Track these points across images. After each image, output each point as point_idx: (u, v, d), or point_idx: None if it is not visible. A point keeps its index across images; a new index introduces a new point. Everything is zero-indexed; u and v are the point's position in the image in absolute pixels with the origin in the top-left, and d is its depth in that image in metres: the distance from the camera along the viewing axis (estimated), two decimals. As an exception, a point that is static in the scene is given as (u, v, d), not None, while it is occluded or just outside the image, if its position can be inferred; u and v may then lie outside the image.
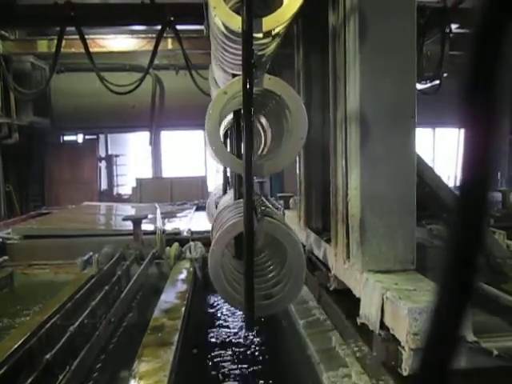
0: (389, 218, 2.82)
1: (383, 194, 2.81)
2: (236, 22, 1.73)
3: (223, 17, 1.76)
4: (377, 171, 2.81)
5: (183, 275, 5.15)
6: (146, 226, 6.78)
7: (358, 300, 2.84)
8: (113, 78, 9.05)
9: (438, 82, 9.98)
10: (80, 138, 13.48)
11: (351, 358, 2.97)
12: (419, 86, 9.30)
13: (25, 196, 12.09)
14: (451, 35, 9.20)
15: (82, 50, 7.49)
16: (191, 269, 5.35)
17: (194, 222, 8.53)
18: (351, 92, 2.90)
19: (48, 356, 2.87)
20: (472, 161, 0.38)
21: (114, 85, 8.08)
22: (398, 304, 2.22)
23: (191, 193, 11.70)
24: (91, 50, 7.73)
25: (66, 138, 13.48)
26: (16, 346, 3.26)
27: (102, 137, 13.55)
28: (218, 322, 5.23)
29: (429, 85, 10.21)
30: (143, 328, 3.72)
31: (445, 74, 9.94)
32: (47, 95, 12.01)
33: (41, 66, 11.34)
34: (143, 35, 10.07)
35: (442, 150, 14.02)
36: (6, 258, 5.92)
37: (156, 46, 7.46)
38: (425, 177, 3.28)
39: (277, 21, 1.78)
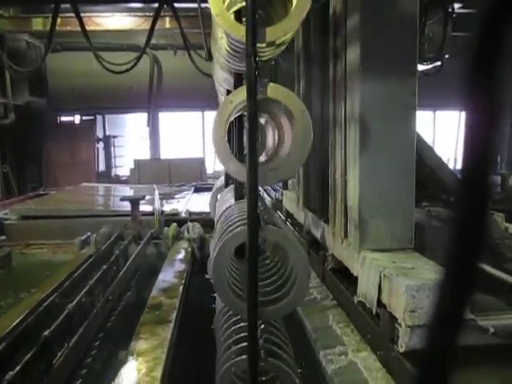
0: (387, 198, 2.81)
1: (382, 174, 2.79)
2: (239, 32, 1.71)
3: (226, 26, 1.74)
4: (376, 150, 2.79)
5: (181, 255, 5.15)
6: (144, 207, 6.77)
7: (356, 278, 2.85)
8: (110, 58, 8.90)
9: (439, 63, 9.86)
10: (77, 118, 13.37)
11: (348, 337, 2.98)
12: (420, 67, 9.19)
13: (22, 177, 12.03)
14: (454, 15, 9.05)
15: (78, 29, 7.33)
16: (189, 249, 5.35)
17: (192, 203, 8.53)
18: (352, 72, 2.85)
19: (46, 333, 2.87)
20: (474, 143, 0.37)
21: (111, 63, 7.94)
22: (395, 281, 2.22)
23: (189, 174, 11.67)
24: (87, 28, 7.57)
25: (63, 118, 13.36)
26: (15, 324, 3.27)
27: (99, 118, 13.43)
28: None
29: (430, 66, 10.10)
30: (141, 307, 3.73)
31: (446, 56, 9.82)
32: (43, 75, 11.86)
33: (36, 45, 11.17)
34: (140, 13, 9.89)
35: (443, 132, 13.93)
36: (3, 237, 5.92)
37: (153, 25, 7.30)
38: (424, 156, 3.25)
39: (282, 31, 1.75)
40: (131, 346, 3.00)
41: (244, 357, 1.77)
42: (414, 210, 2.91)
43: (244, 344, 1.80)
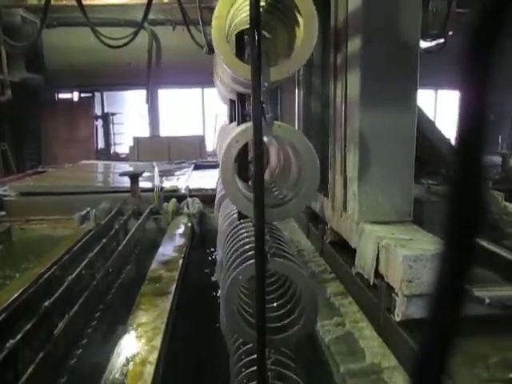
0: (387, 170, 2.79)
1: (382, 145, 2.77)
2: (243, 72, 1.74)
3: (231, 66, 1.77)
4: (377, 122, 2.76)
5: (181, 230, 5.17)
6: (144, 184, 6.76)
7: (354, 251, 2.87)
8: (107, 33, 8.75)
9: (442, 40, 9.69)
10: (75, 95, 13.23)
11: (346, 308, 3.02)
12: (423, 44, 9.05)
13: (21, 155, 11.98)
14: (459, -10, 8.85)
15: (74, 3, 7.18)
16: (189, 224, 5.37)
17: (192, 180, 8.52)
18: (353, 35, 2.80)
19: (47, 303, 2.90)
20: (468, 114, 0.38)
21: (108, 38, 7.81)
22: (393, 252, 2.23)
23: (189, 152, 11.62)
24: (84, 2, 7.42)
25: (61, 95, 13.21)
26: (15, 296, 3.30)
27: (97, 95, 13.29)
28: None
29: (433, 43, 9.93)
30: (141, 280, 3.77)
31: (450, 33, 9.64)
32: (39, 51, 11.68)
33: (31, 20, 10.96)
34: (138, -13, 9.68)
35: (444, 112, 13.79)
36: (3, 213, 5.93)
37: (151, -2, 7.16)
38: (425, 130, 3.22)
39: (287, 71, 1.76)
40: (131, 317, 3.04)
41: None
42: (413, 182, 2.90)
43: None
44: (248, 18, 1.61)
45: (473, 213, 0.38)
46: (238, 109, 2.80)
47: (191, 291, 4.46)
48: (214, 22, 1.71)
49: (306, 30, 1.73)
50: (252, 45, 1.55)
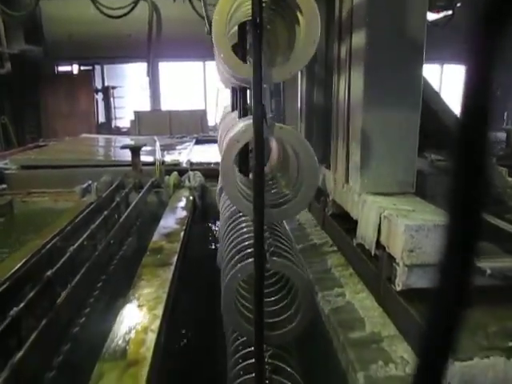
0: (390, 141, 2.75)
1: (386, 116, 2.72)
2: (244, 72, 1.73)
3: (231, 65, 1.76)
4: (381, 91, 2.70)
5: (182, 203, 5.17)
6: (145, 158, 6.72)
7: (356, 223, 2.86)
8: (107, 3, 8.56)
9: (450, 12, 9.44)
10: (75, 68, 13.05)
11: (346, 279, 3.03)
12: (430, 17, 8.82)
13: (21, 128, 11.91)
14: (468, -42, 8.57)
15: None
16: (190, 197, 5.36)
17: (193, 154, 8.47)
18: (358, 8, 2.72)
19: (49, 273, 2.92)
20: (473, 91, 0.37)
21: (108, 8, 7.66)
22: (395, 222, 2.22)
23: (191, 126, 11.53)
24: (82, -31, 7.25)
25: (61, 68, 13.04)
26: (18, 266, 3.32)
27: (98, 68, 13.11)
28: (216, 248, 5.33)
29: (440, 15, 9.68)
30: (143, 252, 3.78)
31: (458, 4, 9.39)
32: (38, 22, 11.47)
33: (30, -11, 10.71)
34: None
35: (450, 87, 13.55)
36: (4, 186, 5.92)
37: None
38: (430, 101, 3.16)
39: (288, 72, 1.76)
40: (133, 287, 3.06)
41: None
42: (416, 154, 2.86)
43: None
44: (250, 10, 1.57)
45: (477, 186, 0.37)
46: (240, 101, 2.76)
47: (192, 263, 4.49)
48: (215, 17, 1.67)
49: (308, 30, 1.71)
50: (254, 49, 1.52)
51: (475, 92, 0.37)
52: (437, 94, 3.46)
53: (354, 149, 2.90)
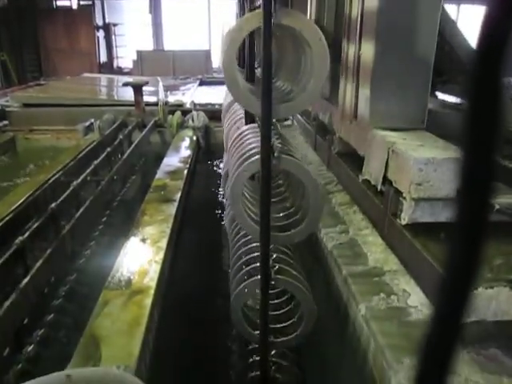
0: (402, 74, 2.63)
1: (399, 47, 2.58)
2: (255, 108, 1.73)
3: (242, 102, 1.78)
4: (393, 25, 2.54)
5: (186, 142, 5.10)
6: (148, 98, 6.56)
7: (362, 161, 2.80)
8: None
9: None
10: (74, 3, 12.49)
11: (350, 217, 3.02)
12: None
13: (21, 67, 11.61)
14: None
15: None
16: (194, 137, 5.28)
17: (197, 95, 8.27)
18: None
19: (53, 205, 2.92)
20: (491, 30, 0.35)
21: None
22: (403, 156, 2.16)
23: (194, 67, 11.19)
24: None
25: (59, 3, 12.49)
26: (22, 200, 3.33)
27: (97, 3, 12.55)
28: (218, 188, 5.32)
29: None
30: (146, 190, 3.77)
31: None
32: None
33: None
34: None
35: (467, 29, 12.87)
36: (6, 122, 5.84)
37: None
38: (446, 33, 2.98)
39: (296, 110, 1.85)
40: (137, 221, 3.07)
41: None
42: (429, 89, 2.74)
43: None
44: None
45: (490, 125, 0.36)
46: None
47: (195, 201, 4.50)
48: (225, 54, 1.67)
49: (317, 66, 1.69)
50: (264, 88, 1.47)
51: (494, 28, 0.35)
52: (454, 24, 3.25)
53: (364, 83, 2.78)
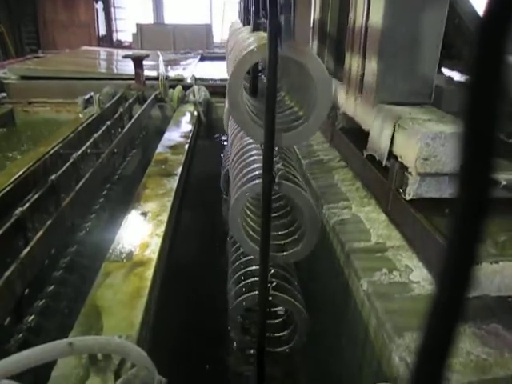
0: (410, 48, 2.56)
1: (408, 19, 2.51)
2: (259, 136, 1.71)
3: (246, 129, 1.77)
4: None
5: (187, 117, 5.03)
6: (149, 73, 6.45)
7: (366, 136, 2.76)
8: None
9: None
10: (72, -26, 12.18)
11: (353, 193, 2.99)
12: None
13: (19, 39, 11.40)
14: None
15: None
16: (195, 112, 5.21)
17: (198, 70, 8.14)
18: None
19: (53, 177, 2.89)
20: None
21: None
22: (410, 130, 2.12)
23: (195, 42, 11.00)
24: None
25: (57, -27, 12.17)
26: (21, 171, 3.29)
27: (96, -26, 12.24)
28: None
29: None
30: (147, 165, 3.73)
31: None
32: None
33: None
34: None
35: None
36: (4, 94, 5.75)
37: None
38: (456, 4, 2.89)
39: (298, 140, 1.82)
40: (137, 194, 3.04)
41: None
42: (436, 63, 2.68)
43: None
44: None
45: (493, 100, 0.36)
46: (251, 15, 2.52)
47: (196, 176, 4.47)
48: (231, 81, 1.64)
49: (320, 99, 1.69)
50: (267, 119, 1.46)
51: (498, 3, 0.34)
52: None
53: (371, 57, 2.71)
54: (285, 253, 1.96)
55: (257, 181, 1.81)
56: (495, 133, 0.36)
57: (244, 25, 3.29)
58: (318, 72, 1.67)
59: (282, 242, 2.08)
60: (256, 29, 2.46)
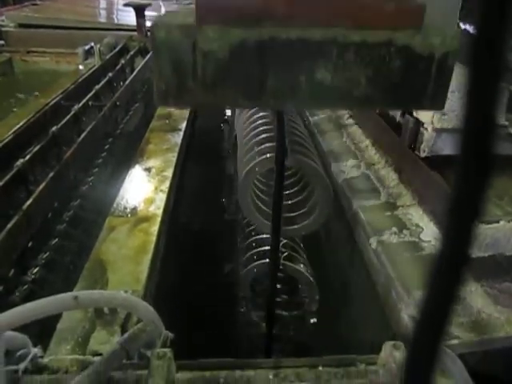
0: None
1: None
2: (264, 227, 1.95)
3: (252, 219, 1.94)
4: None
5: (191, 70, 4.86)
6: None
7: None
8: None
9: None
10: None
11: (362, 152, 2.91)
12: None
13: (16, -15, 10.92)
14: None
15: None
16: (199, 65, 5.03)
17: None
18: None
19: (54, 129, 2.80)
20: None
21: None
22: (429, 84, 2.01)
23: (199, -9, 10.51)
24: None
25: None
26: (21, 123, 3.19)
27: None
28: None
29: None
30: (149, 119, 3.62)
31: None
32: None
33: None
34: None
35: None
36: (2, 42, 5.55)
37: None
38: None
39: (300, 233, 2.01)
40: (141, 149, 2.96)
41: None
42: (457, 15, 2.52)
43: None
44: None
45: (498, 54, 0.35)
46: None
47: (201, 132, 4.38)
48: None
49: (321, 208, 1.85)
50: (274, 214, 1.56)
51: None
52: None
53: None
54: (296, 226, 1.96)
55: (268, 155, 1.80)
56: (499, 86, 0.35)
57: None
58: (320, 184, 1.82)
59: (292, 214, 2.05)
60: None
